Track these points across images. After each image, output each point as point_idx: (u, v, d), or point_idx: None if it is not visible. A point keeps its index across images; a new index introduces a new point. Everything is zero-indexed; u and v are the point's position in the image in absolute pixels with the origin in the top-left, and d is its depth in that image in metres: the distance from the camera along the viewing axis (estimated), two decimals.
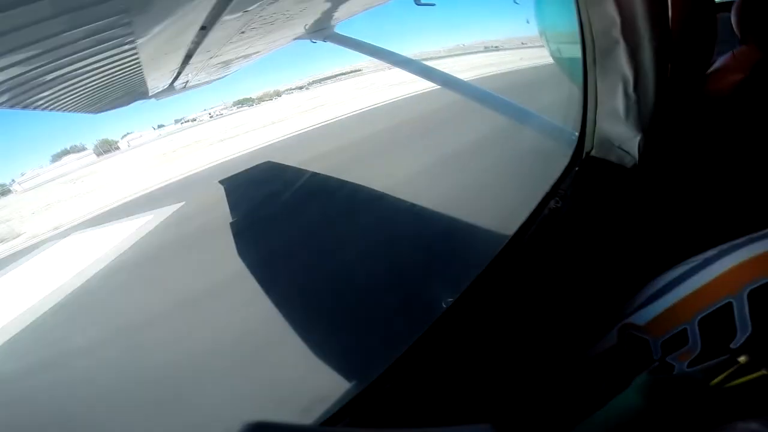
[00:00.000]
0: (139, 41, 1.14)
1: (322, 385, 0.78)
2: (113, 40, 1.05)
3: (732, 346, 0.45)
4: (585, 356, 0.64)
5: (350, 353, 0.90)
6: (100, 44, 1.06)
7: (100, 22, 0.87)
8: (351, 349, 0.93)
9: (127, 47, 1.16)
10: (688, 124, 0.73)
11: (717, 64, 0.74)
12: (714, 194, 0.67)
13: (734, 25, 0.70)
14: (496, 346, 0.63)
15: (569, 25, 0.74)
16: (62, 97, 1.38)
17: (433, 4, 1.60)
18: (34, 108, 1.33)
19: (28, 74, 1.09)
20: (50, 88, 1.25)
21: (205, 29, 1.32)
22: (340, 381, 0.76)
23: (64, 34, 0.95)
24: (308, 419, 0.55)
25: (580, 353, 0.65)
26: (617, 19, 0.58)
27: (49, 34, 0.92)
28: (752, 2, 0.67)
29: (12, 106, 1.24)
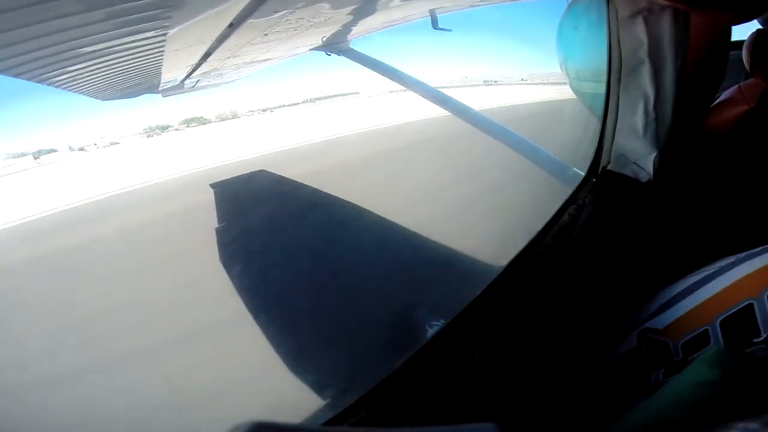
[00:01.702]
0: (171, 31, 1.16)
1: (322, 384, 0.77)
2: (148, 21, 1.07)
3: (755, 341, 0.47)
4: (599, 360, 0.66)
5: (352, 351, 0.89)
6: (134, 24, 1.07)
7: (143, 1, 0.89)
8: (352, 346, 0.92)
9: (158, 32, 1.18)
10: (697, 147, 0.79)
11: (723, 96, 0.81)
12: (723, 212, 0.72)
13: (744, 59, 0.77)
14: (507, 345, 0.64)
15: (590, 53, 0.80)
16: (80, 77, 1.38)
17: (449, 30, 1.67)
18: (50, 84, 1.32)
19: (56, 47, 1.09)
20: (73, 66, 1.25)
21: (232, 26, 1.35)
22: (341, 379, 0.75)
23: (102, 10, 0.96)
24: (308, 418, 0.54)
25: (591, 359, 0.67)
26: (645, 41, 0.64)
27: (86, 8, 0.94)
28: (765, 37, 0.74)
29: (31, 79, 1.22)
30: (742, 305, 0.49)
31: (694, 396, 0.36)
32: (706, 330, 0.52)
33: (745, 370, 0.36)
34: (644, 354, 0.59)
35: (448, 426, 0.20)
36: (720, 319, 0.51)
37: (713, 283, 0.54)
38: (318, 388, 0.76)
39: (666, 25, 0.63)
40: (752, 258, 0.52)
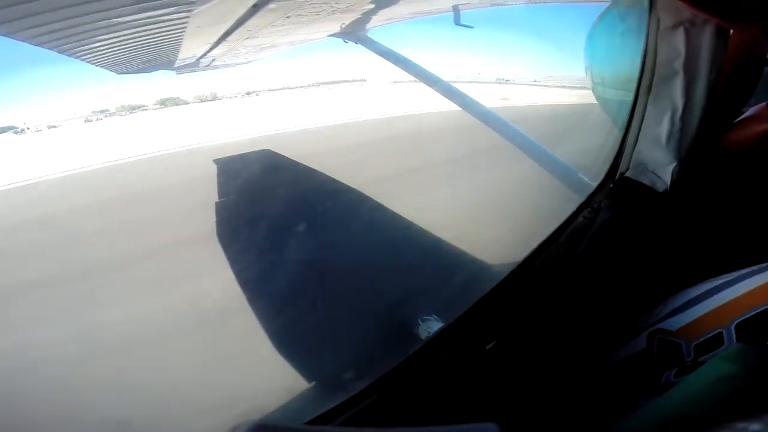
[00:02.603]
0: (198, 8, 1.16)
1: (320, 382, 0.77)
2: None
3: None
4: (606, 362, 0.67)
5: (350, 349, 0.89)
6: None
7: None
8: (350, 344, 0.93)
9: (184, 8, 1.17)
10: (716, 161, 0.79)
11: (749, 112, 0.81)
12: (737, 225, 0.73)
13: None
14: (518, 341, 0.65)
15: (621, 59, 0.80)
16: (101, 49, 1.37)
17: (471, 27, 1.66)
18: (71, 55, 1.31)
19: (81, 18, 1.08)
20: (96, 37, 1.24)
21: (256, 6, 1.34)
22: (340, 377, 0.75)
23: None
24: (308, 417, 0.54)
25: (599, 359, 0.68)
26: (683, 52, 0.64)
27: None
28: None
29: (53, 48, 1.22)
30: (759, 310, 0.51)
31: (714, 391, 0.37)
32: (721, 332, 0.53)
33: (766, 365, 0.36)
34: (655, 354, 0.60)
35: (449, 426, 0.20)
36: (736, 322, 0.53)
37: (730, 289, 0.55)
38: (328, 372, 0.77)
39: (706, 39, 0.63)
40: None
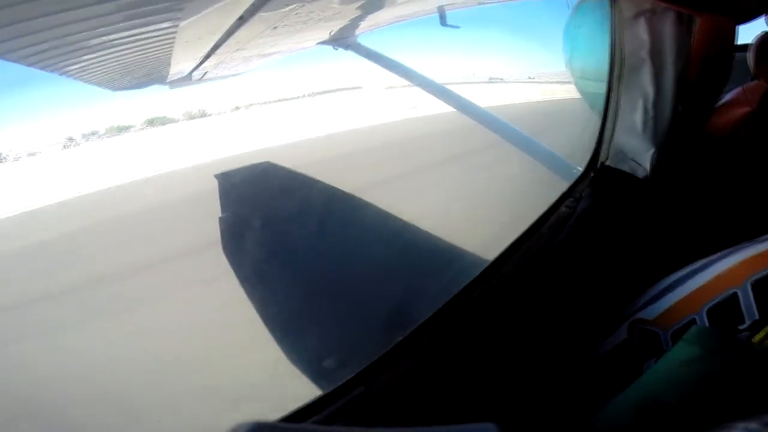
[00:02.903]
0: (183, 23, 1.18)
1: (305, 373, 0.78)
2: (161, 13, 1.09)
3: (740, 328, 0.49)
4: (591, 354, 0.68)
5: (347, 347, 0.90)
6: (147, 15, 1.10)
7: None
8: (348, 343, 0.93)
9: (170, 23, 1.20)
10: (697, 147, 0.80)
11: (726, 98, 0.82)
12: (716, 209, 0.74)
13: (750, 61, 0.79)
14: (502, 342, 0.65)
15: (594, 52, 0.82)
16: (92, 66, 1.40)
17: (458, 27, 1.68)
18: (63, 73, 1.34)
19: (70, 37, 1.11)
20: (85, 55, 1.27)
21: (242, 19, 1.36)
22: (339, 376, 0.76)
23: (115, 2, 0.98)
24: (294, 408, 0.55)
25: (584, 351, 0.69)
26: (647, 41, 0.66)
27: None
28: None
29: (44, 68, 1.24)
30: (728, 294, 0.52)
31: (681, 375, 0.38)
32: (694, 319, 0.54)
33: (724, 346, 0.37)
34: (635, 345, 0.61)
35: (448, 426, 0.20)
36: (707, 307, 0.53)
37: (701, 274, 0.57)
38: (313, 364, 0.78)
39: (668, 27, 0.64)
40: (737, 251, 0.55)
